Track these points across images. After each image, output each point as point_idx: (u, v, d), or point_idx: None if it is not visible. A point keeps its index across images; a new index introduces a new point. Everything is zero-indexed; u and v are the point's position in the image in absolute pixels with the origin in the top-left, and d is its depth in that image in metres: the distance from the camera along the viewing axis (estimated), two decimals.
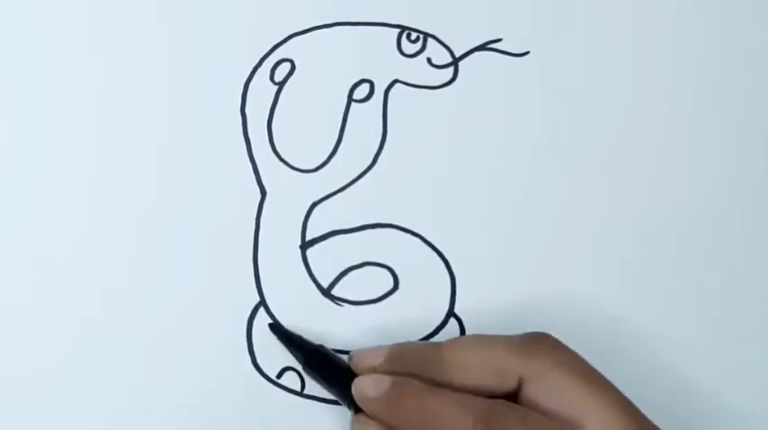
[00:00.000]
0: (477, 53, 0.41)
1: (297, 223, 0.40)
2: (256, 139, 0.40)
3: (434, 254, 0.40)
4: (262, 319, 0.39)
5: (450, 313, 0.40)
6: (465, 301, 0.40)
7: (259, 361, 0.39)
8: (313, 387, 0.39)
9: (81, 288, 0.39)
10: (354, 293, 0.40)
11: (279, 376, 0.39)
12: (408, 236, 0.40)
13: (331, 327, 0.39)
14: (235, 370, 0.39)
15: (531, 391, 0.34)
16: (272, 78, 0.40)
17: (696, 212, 0.41)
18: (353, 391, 0.36)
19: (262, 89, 0.40)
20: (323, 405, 0.39)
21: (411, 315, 0.39)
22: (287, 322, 0.39)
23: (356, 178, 0.40)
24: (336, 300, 0.40)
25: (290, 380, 0.39)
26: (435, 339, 0.39)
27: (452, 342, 0.36)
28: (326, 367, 0.37)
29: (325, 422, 0.39)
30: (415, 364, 0.36)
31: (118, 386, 0.39)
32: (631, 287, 0.40)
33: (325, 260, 0.40)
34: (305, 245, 0.40)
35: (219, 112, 0.40)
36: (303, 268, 0.40)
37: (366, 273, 0.40)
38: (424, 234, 0.40)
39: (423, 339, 0.39)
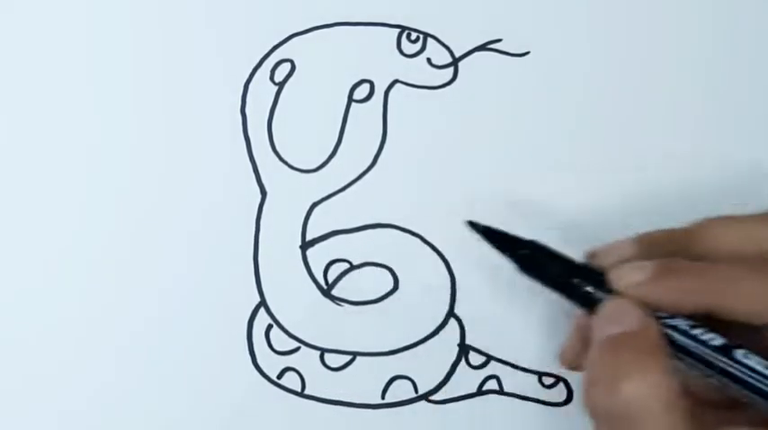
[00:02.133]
0: (477, 53, 0.41)
1: (297, 223, 0.40)
2: (256, 140, 0.40)
3: (434, 254, 0.40)
4: (262, 320, 0.39)
5: (450, 313, 0.40)
6: (465, 301, 0.40)
7: (259, 361, 0.39)
8: (313, 387, 0.39)
9: (80, 288, 0.39)
10: (354, 293, 0.40)
11: (279, 376, 0.39)
12: (408, 236, 0.40)
13: (331, 327, 0.39)
14: (235, 370, 0.39)
15: None
16: (272, 78, 0.40)
17: (701, 212, 0.41)
18: (615, 283, 0.32)
19: (262, 89, 0.40)
20: (324, 405, 0.39)
21: (411, 315, 0.39)
22: (287, 321, 0.39)
23: (356, 178, 0.40)
24: (336, 300, 0.40)
25: (290, 380, 0.39)
26: (435, 339, 0.39)
27: (703, 221, 0.34)
28: (544, 263, 0.34)
29: (325, 422, 0.39)
30: (667, 249, 0.33)
31: (117, 386, 0.39)
32: None
33: (326, 260, 0.40)
34: (305, 245, 0.40)
35: (219, 113, 0.40)
36: (303, 268, 0.40)
37: (366, 273, 0.40)
38: (423, 234, 0.40)
39: (423, 339, 0.39)
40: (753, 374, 0.31)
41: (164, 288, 0.39)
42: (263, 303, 0.39)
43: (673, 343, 0.32)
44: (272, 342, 0.39)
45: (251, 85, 0.40)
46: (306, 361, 0.39)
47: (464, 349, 0.39)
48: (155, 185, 0.39)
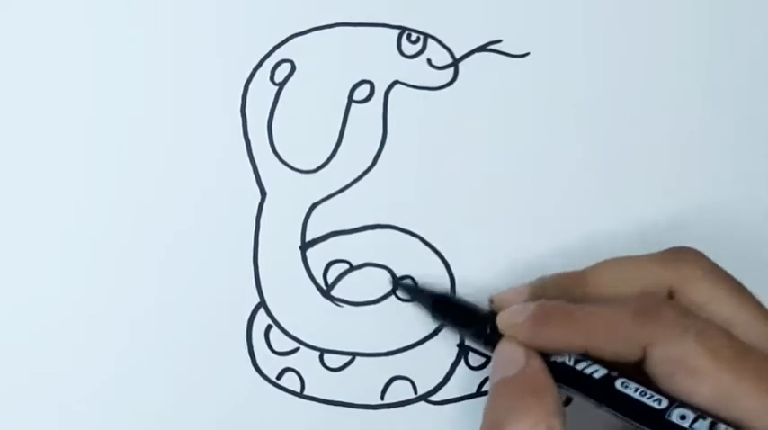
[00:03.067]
0: (477, 54, 0.41)
1: (297, 224, 0.40)
2: (256, 140, 0.40)
3: (434, 254, 0.40)
4: (261, 320, 0.39)
5: None
6: None
7: (259, 362, 0.39)
8: (312, 387, 0.39)
9: (79, 288, 0.39)
10: (354, 294, 0.40)
11: (279, 377, 0.39)
12: (408, 236, 0.40)
13: (331, 328, 0.39)
14: (234, 371, 0.39)
15: (682, 301, 0.34)
16: (272, 79, 0.40)
17: (702, 214, 0.41)
18: (500, 323, 0.35)
19: (262, 90, 0.40)
20: (323, 406, 0.39)
21: (411, 315, 0.39)
22: (287, 322, 0.39)
23: (356, 179, 0.40)
24: (336, 300, 0.40)
25: (290, 380, 0.39)
26: (435, 340, 0.39)
27: (595, 266, 0.36)
28: (456, 310, 0.38)
29: (324, 422, 0.39)
30: (559, 293, 0.35)
31: (116, 386, 0.39)
32: None
33: (325, 261, 0.40)
34: (305, 245, 0.40)
35: (219, 113, 0.40)
36: (303, 269, 0.40)
37: (366, 274, 0.40)
38: (423, 234, 0.40)
39: (422, 339, 0.39)
40: (631, 403, 0.32)
41: (163, 288, 0.39)
42: (262, 304, 0.39)
43: (563, 378, 0.33)
44: (272, 342, 0.39)
45: (251, 86, 0.40)
46: (305, 361, 0.39)
47: (464, 350, 0.39)
48: (154, 185, 0.39)
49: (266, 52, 0.40)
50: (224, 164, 0.39)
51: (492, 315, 0.36)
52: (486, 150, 0.40)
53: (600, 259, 0.39)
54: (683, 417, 0.31)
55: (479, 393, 0.40)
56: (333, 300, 0.39)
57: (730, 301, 0.34)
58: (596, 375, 0.33)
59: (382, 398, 0.39)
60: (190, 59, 0.40)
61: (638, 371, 0.33)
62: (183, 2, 0.40)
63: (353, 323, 0.39)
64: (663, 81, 0.41)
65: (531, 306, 0.34)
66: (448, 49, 0.40)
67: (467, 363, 0.39)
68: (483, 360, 0.39)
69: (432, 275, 0.40)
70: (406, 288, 0.39)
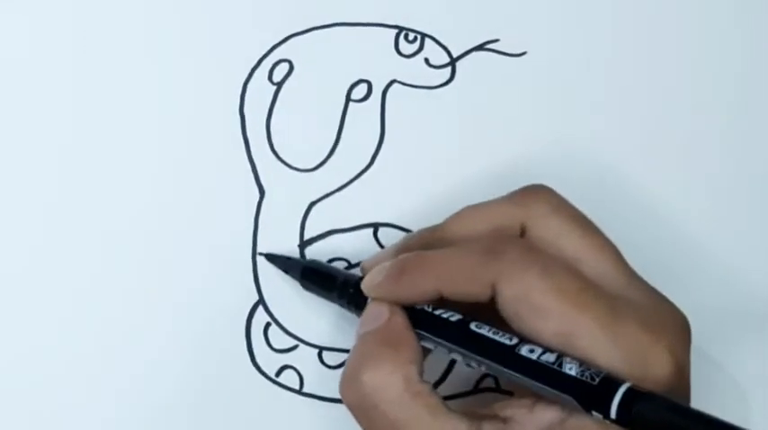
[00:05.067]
0: (474, 53, 0.41)
1: (295, 223, 0.40)
2: (255, 139, 0.40)
3: None
4: (260, 318, 0.39)
5: None
6: None
7: (258, 359, 0.39)
8: (311, 385, 0.39)
9: (80, 288, 0.39)
10: None
11: (277, 375, 0.39)
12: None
13: (330, 326, 0.40)
14: (233, 368, 0.39)
15: (533, 236, 0.34)
16: (270, 78, 0.40)
17: (703, 217, 0.41)
18: (363, 287, 0.35)
19: (260, 89, 0.40)
20: (322, 403, 0.39)
21: None
22: (285, 320, 0.39)
23: (354, 178, 0.40)
24: None
25: (289, 378, 0.39)
26: None
27: (450, 217, 0.36)
28: (321, 276, 0.38)
29: (324, 420, 0.39)
30: (421, 247, 0.35)
31: (116, 385, 0.39)
32: None
33: (324, 259, 0.40)
34: (303, 244, 0.40)
35: (218, 113, 0.40)
36: None
37: None
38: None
39: None
40: (484, 341, 0.33)
41: (162, 287, 0.39)
42: (261, 301, 0.39)
43: (423, 325, 0.34)
44: (271, 340, 0.39)
45: (249, 85, 0.40)
46: (304, 359, 0.39)
47: None
48: (153, 185, 0.39)
49: (264, 52, 0.40)
50: (223, 163, 0.40)
51: (355, 278, 0.36)
52: (483, 149, 0.40)
53: None
54: (531, 351, 0.31)
55: (477, 390, 0.40)
56: None
57: (577, 236, 0.34)
58: (452, 319, 0.33)
59: None
60: (188, 59, 0.40)
61: (493, 316, 0.33)
62: (182, 2, 0.40)
63: (353, 322, 0.39)
64: (661, 79, 0.41)
65: (387, 263, 0.35)
66: (445, 48, 0.41)
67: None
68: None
69: None
70: (275, 259, 0.39)
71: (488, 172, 0.40)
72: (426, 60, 0.40)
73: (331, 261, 0.40)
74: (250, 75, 0.40)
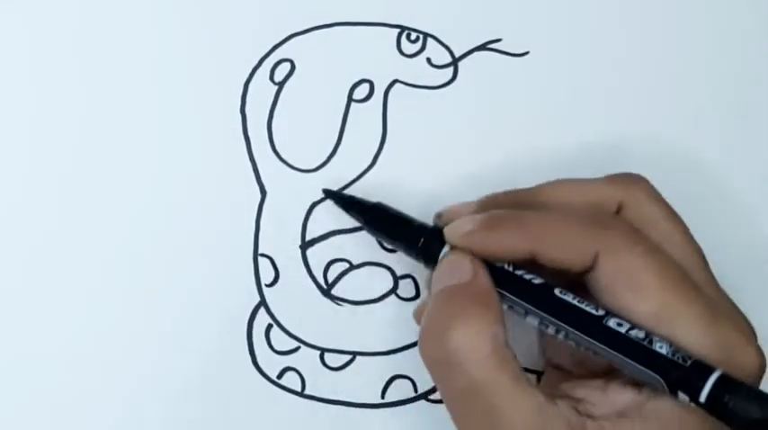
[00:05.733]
0: (476, 53, 0.41)
1: (297, 223, 0.40)
2: (256, 140, 0.40)
3: None
4: (262, 320, 0.39)
5: None
6: None
7: (259, 361, 0.39)
8: (313, 387, 0.39)
9: (80, 289, 0.39)
10: (354, 293, 0.40)
11: (279, 376, 0.39)
12: None
13: (331, 327, 0.39)
14: (235, 370, 0.39)
15: (629, 218, 0.34)
16: (271, 78, 0.40)
17: (701, 212, 0.41)
18: (447, 234, 0.34)
19: (261, 89, 0.40)
20: (324, 405, 0.39)
21: (411, 315, 0.39)
22: (287, 321, 0.39)
23: (356, 178, 0.40)
24: (336, 299, 0.40)
25: (291, 380, 0.39)
26: None
27: (545, 184, 0.36)
28: (390, 223, 0.36)
29: (325, 422, 0.39)
30: (509, 206, 0.35)
31: (117, 386, 0.39)
32: None
33: (325, 260, 0.40)
34: (305, 245, 0.40)
35: (219, 113, 0.40)
36: (303, 268, 0.40)
37: (366, 273, 0.40)
38: None
39: None
40: (569, 308, 0.32)
41: (164, 288, 0.39)
42: (262, 303, 0.39)
43: (502, 284, 0.33)
44: (272, 342, 0.39)
45: (251, 85, 0.40)
46: (306, 360, 0.39)
47: None
48: (154, 185, 0.39)
49: (266, 52, 0.40)
50: (224, 163, 0.39)
51: (430, 228, 0.35)
52: (485, 149, 0.40)
53: None
54: (619, 324, 0.31)
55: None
56: (333, 299, 0.40)
57: (671, 227, 0.34)
58: (535, 281, 0.33)
59: (383, 396, 0.39)
60: (189, 59, 0.40)
61: (575, 286, 0.33)
62: (183, 2, 0.40)
63: (354, 322, 0.39)
64: (661, 79, 0.41)
65: (479, 215, 0.34)
66: (447, 48, 0.40)
67: None
68: None
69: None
70: (337, 196, 0.38)
71: (490, 172, 0.40)
72: (428, 60, 0.40)
73: (332, 262, 0.40)
74: (251, 74, 0.40)
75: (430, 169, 0.40)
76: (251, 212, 0.40)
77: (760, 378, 0.32)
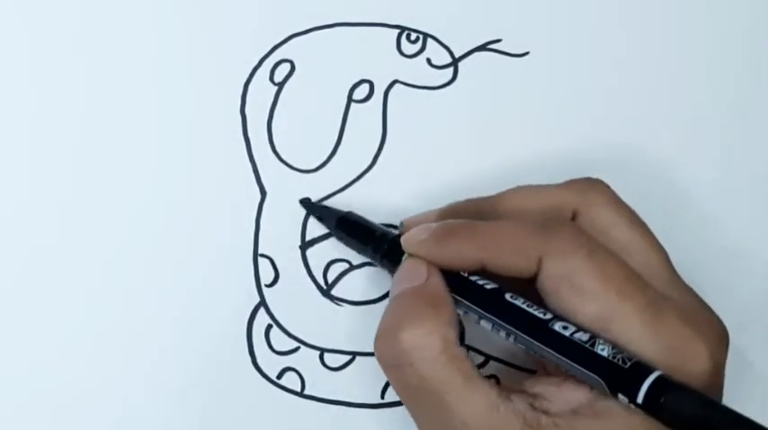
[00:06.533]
0: (476, 53, 0.41)
1: (297, 223, 0.40)
2: (256, 140, 0.40)
3: None
4: (261, 320, 0.39)
5: None
6: None
7: (259, 361, 0.39)
8: (313, 387, 0.39)
9: (80, 289, 0.39)
10: (354, 293, 0.40)
11: (279, 376, 0.39)
12: None
13: (331, 328, 0.39)
14: (235, 370, 0.39)
15: (585, 223, 0.34)
16: (271, 79, 0.40)
17: (703, 210, 0.41)
18: (404, 241, 0.35)
19: (261, 90, 0.40)
20: (324, 405, 0.39)
21: None
22: (287, 322, 0.39)
23: (356, 178, 0.40)
24: (336, 300, 0.40)
25: (290, 380, 0.39)
26: None
27: (504, 192, 0.36)
28: (358, 230, 0.38)
29: (324, 422, 0.39)
30: (468, 217, 0.35)
31: (117, 387, 0.39)
32: None
33: (325, 260, 0.40)
34: (305, 245, 0.40)
35: (219, 113, 0.40)
36: (303, 268, 0.40)
37: (366, 273, 0.40)
38: None
39: None
40: (517, 312, 0.33)
41: (163, 288, 0.39)
42: (262, 303, 0.39)
43: (457, 290, 0.34)
44: (272, 342, 0.39)
45: (251, 86, 0.40)
46: (305, 361, 0.39)
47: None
48: (154, 186, 0.39)
49: (266, 52, 0.40)
50: (224, 164, 0.39)
51: (392, 236, 0.37)
52: (485, 149, 0.40)
53: None
54: (564, 328, 0.32)
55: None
56: (333, 299, 0.40)
57: (627, 229, 0.34)
58: (487, 286, 0.33)
59: (382, 397, 0.39)
60: (189, 59, 0.40)
61: (526, 294, 0.33)
62: (183, 2, 0.40)
63: (353, 322, 0.39)
64: (662, 79, 0.41)
65: (434, 224, 0.35)
66: (447, 48, 0.40)
67: None
68: (482, 359, 0.40)
69: None
70: (312, 207, 0.39)
71: (490, 172, 0.40)
72: (428, 60, 0.40)
73: (332, 262, 0.40)
74: (251, 75, 0.40)
75: (430, 169, 0.40)
76: (251, 212, 0.40)
77: (716, 381, 0.32)
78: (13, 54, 0.39)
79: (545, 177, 0.39)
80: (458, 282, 0.34)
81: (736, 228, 0.41)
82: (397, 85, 0.40)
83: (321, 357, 0.39)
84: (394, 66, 0.40)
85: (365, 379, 0.39)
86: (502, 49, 0.41)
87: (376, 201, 0.40)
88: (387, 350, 0.33)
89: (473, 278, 0.34)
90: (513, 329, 0.32)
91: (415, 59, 0.40)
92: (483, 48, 0.41)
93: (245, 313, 0.39)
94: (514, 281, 0.33)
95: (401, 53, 0.40)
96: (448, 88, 0.40)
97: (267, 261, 0.39)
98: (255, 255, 0.39)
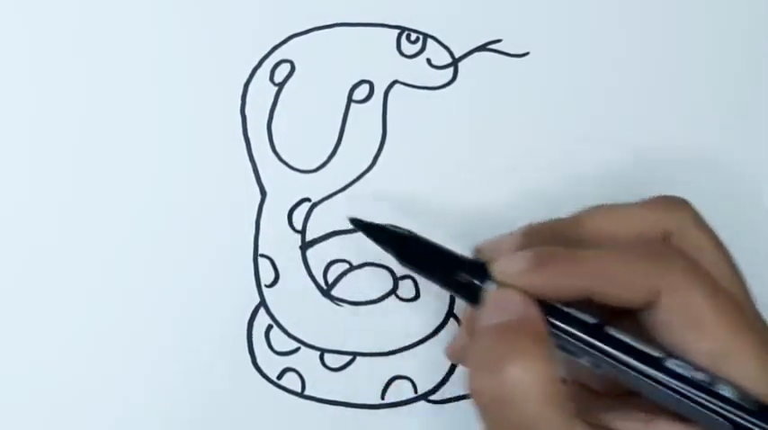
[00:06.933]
0: (476, 54, 0.41)
1: (297, 224, 0.40)
2: (256, 140, 0.40)
3: None
4: (262, 320, 0.39)
5: (450, 313, 0.40)
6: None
7: (259, 362, 0.39)
8: (313, 387, 0.39)
9: (80, 289, 0.39)
10: (354, 293, 0.40)
11: (279, 377, 0.39)
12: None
13: (331, 328, 0.39)
14: (235, 371, 0.39)
15: (676, 244, 0.33)
16: (271, 79, 0.40)
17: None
18: (497, 272, 0.33)
19: (261, 90, 0.40)
20: (324, 405, 0.39)
21: (411, 315, 0.39)
22: (287, 322, 0.39)
23: (356, 179, 0.40)
24: (336, 300, 0.40)
25: (291, 380, 0.39)
26: (435, 339, 0.39)
27: (585, 212, 0.35)
28: (425, 252, 0.35)
29: (325, 422, 0.39)
30: (552, 240, 0.34)
31: (117, 387, 0.39)
32: None
33: (325, 260, 0.40)
34: (305, 245, 0.40)
35: (219, 113, 0.40)
36: (303, 269, 0.40)
37: (366, 274, 0.40)
38: (423, 234, 0.40)
39: (422, 339, 0.39)
40: (621, 348, 0.31)
41: (164, 288, 0.39)
42: (262, 304, 0.39)
43: (553, 326, 0.32)
44: (272, 342, 0.39)
45: (251, 86, 0.40)
46: (306, 361, 0.39)
47: None
48: (154, 186, 0.39)
49: (266, 52, 0.40)
50: (224, 164, 0.39)
51: (471, 262, 0.34)
52: (485, 150, 0.40)
53: None
54: (679, 366, 0.30)
55: None
56: (333, 299, 0.40)
57: (716, 255, 0.33)
58: (588, 320, 0.32)
59: (383, 397, 0.39)
60: (189, 60, 0.40)
61: (620, 326, 0.32)
62: (183, 3, 0.40)
63: (354, 323, 0.39)
64: (662, 80, 0.41)
65: (530, 252, 0.32)
66: (447, 48, 0.40)
67: None
68: None
69: None
70: (367, 227, 0.36)
71: (490, 173, 0.40)
72: (428, 61, 0.40)
73: (332, 262, 0.40)
74: (251, 75, 0.40)
75: (430, 169, 0.40)
76: (251, 213, 0.40)
77: None
78: (14, 54, 0.40)
79: (544, 177, 0.39)
80: (556, 315, 0.32)
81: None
82: (397, 86, 0.40)
83: (321, 357, 0.39)
84: (394, 66, 0.40)
85: (365, 379, 0.39)
86: (502, 49, 0.41)
87: (376, 202, 0.40)
88: (488, 386, 0.31)
89: (567, 310, 0.32)
90: (624, 367, 0.31)
91: (415, 60, 0.40)
92: (483, 48, 0.41)
93: (245, 313, 0.39)
94: (607, 313, 0.32)
95: (401, 53, 0.40)
96: (448, 88, 0.40)
97: (267, 261, 0.39)
98: (255, 255, 0.39)
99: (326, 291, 0.40)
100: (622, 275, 0.32)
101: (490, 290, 0.33)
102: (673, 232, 0.34)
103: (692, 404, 0.30)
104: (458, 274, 0.33)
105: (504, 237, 0.35)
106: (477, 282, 0.33)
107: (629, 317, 0.32)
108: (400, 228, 0.35)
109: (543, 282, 0.32)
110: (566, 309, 0.32)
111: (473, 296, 0.33)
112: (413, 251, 0.35)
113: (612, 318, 0.32)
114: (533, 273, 0.32)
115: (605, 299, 0.32)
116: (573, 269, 0.32)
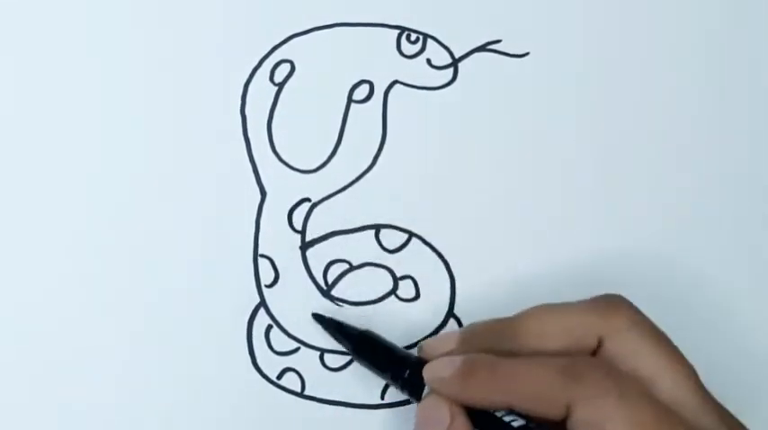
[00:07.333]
0: (476, 54, 0.41)
1: (297, 224, 0.40)
2: (256, 140, 0.40)
3: (434, 254, 0.40)
4: (262, 320, 0.39)
5: (450, 313, 0.40)
6: (465, 302, 0.40)
7: (259, 362, 0.39)
8: (313, 387, 0.39)
9: (80, 289, 0.39)
10: (354, 293, 0.40)
11: (279, 377, 0.39)
12: (408, 236, 0.40)
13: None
14: (235, 371, 0.39)
15: (610, 350, 0.34)
16: (271, 79, 0.40)
17: (697, 212, 0.41)
18: (426, 376, 0.35)
19: (261, 90, 0.40)
20: (324, 405, 0.39)
21: (411, 315, 0.39)
22: (287, 322, 0.39)
23: (356, 179, 0.40)
24: (336, 300, 0.40)
25: (291, 380, 0.39)
26: None
27: (525, 313, 0.35)
28: (377, 352, 0.37)
29: (325, 422, 0.39)
30: (489, 341, 0.35)
31: (118, 387, 0.39)
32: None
33: (325, 260, 0.40)
34: (305, 245, 0.40)
35: (219, 113, 0.40)
36: (303, 269, 0.40)
37: (366, 274, 0.40)
38: (423, 234, 0.40)
39: (422, 339, 0.39)
40: None
41: (164, 288, 0.39)
42: (262, 304, 0.39)
43: (484, 427, 0.33)
44: (272, 342, 0.39)
45: (251, 86, 0.40)
46: (306, 361, 0.39)
47: None
48: (154, 186, 0.39)
49: (266, 52, 0.40)
50: (224, 164, 0.39)
51: (414, 361, 0.36)
52: (485, 150, 0.40)
53: (600, 258, 0.40)
54: None
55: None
56: (333, 299, 0.40)
57: (655, 355, 0.34)
58: (515, 424, 0.33)
59: (382, 397, 0.39)
60: (189, 60, 0.40)
61: (560, 427, 0.33)
62: (183, 3, 0.40)
63: (353, 322, 0.39)
64: (663, 79, 0.41)
65: (458, 360, 0.34)
66: (447, 48, 0.40)
67: None
68: None
69: (432, 275, 0.40)
70: (328, 323, 0.38)
71: (490, 173, 0.40)
72: (428, 61, 0.40)
73: (332, 262, 0.40)
74: (251, 75, 0.40)
75: (430, 170, 0.40)
76: (251, 213, 0.40)
77: None
78: (16, 55, 0.40)
79: (544, 178, 0.39)
80: (485, 420, 0.33)
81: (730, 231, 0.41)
82: (397, 86, 0.40)
83: (321, 358, 0.39)
84: (394, 66, 0.40)
85: (365, 379, 0.39)
86: (502, 50, 0.41)
87: (376, 202, 0.40)
88: None
89: (499, 414, 0.33)
90: None
91: (415, 60, 0.40)
92: (483, 48, 0.41)
93: (245, 313, 0.39)
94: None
95: (401, 53, 0.40)
96: (448, 88, 0.40)
97: (267, 261, 0.39)
98: (255, 255, 0.39)
99: (326, 291, 0.40)
100: (534, 388, 0.33)
101: (425, 394, 0.35)
102: (606, 337, 0.34)
103: None
104: (404, 373, 0.36)
105: (445, 336, 0.37)
106: (418, 380, 0.35)
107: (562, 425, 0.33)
108: (355, 328, 0.38)
109: (468, 393, 0.33)
110: (496, 414, 0.33)
111: (418, 395, 0.35)
112: (366, 348, 0.37)
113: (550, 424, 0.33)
114: (460, 382, 0.34)
115: (522, 410, 0.33)
116: (492, 383, 0.33)
